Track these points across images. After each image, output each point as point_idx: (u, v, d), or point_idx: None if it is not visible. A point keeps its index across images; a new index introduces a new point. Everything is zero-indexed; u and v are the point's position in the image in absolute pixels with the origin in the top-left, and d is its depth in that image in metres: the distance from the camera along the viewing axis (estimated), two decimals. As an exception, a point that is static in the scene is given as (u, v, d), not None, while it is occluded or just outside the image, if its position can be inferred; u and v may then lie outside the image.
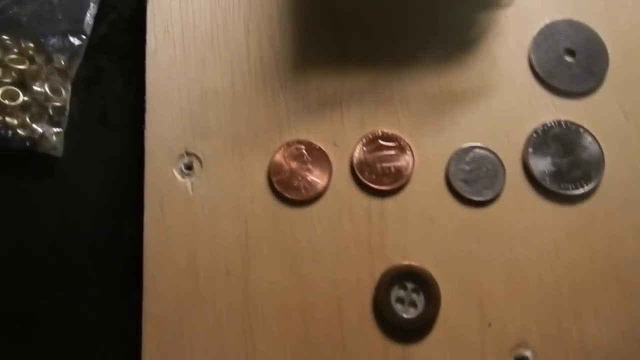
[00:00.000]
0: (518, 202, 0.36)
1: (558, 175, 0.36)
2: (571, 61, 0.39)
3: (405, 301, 0.34)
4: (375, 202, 0.36)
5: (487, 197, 0.36)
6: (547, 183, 0.36)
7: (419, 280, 0.34)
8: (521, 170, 0.36)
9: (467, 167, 0.36)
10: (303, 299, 0.34)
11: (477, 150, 0.36)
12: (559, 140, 0.37)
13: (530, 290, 0.34)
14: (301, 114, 0.37)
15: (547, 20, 0.39)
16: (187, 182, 0.36)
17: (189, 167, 0.36)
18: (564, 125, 0.37)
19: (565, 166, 0.36)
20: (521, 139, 0.37)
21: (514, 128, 0.37)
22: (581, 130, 0.37)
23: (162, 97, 0.37)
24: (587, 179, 0.36)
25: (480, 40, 0.39)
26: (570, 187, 0.36)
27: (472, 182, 0.36)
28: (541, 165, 0.36)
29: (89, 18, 0.40)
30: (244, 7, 0.40)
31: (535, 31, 0.39)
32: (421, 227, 0.35)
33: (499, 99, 0.38)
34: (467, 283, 0.34)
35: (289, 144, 0.37)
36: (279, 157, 0.36)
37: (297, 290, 0.34)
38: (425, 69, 0.38)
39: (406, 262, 0.34)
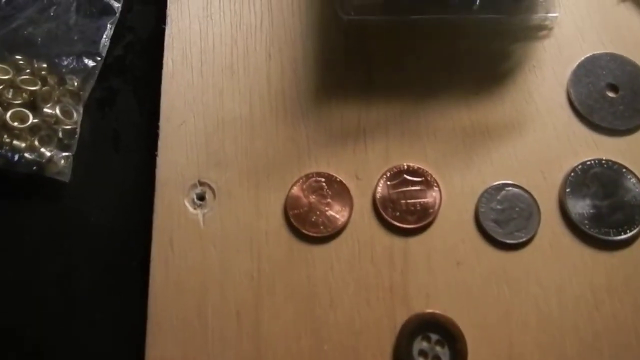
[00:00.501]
0: (553, 246, 0.34)
1: (598, 218, 0.34)
2: (613, 97, 0.37)
3: (428, 355, 0.31)
4: (398, 242, 0.34)
5: (520, 240, 0.34)
6: (586, 227, 0.34)
7: (443, 331, 0.32)
8: (557, 212, 0.35)
9: (498, 207, 0.34)
10: (317, 347, 0.32)
11: (510, 188, 0.35)
12: (599, 180, 0.35)
13: (566, 347, 0.32)
14: (322, 145, 0.36)
15: (588, 54, 0.38)
16: (199, 213, 0.34)
17: (202, 198, 0.35)
18: (605, 165, 0.35)
19: (606, 209, 0.34)
20: (558, 178, 0.35)
21: (550, 166, 0.36)
22: (624, 170, 0.35)
23: (177, 123, 0.37)
24: (630, 223, 0.34)
25: (515, 73, 0.38)
26: (611, 232, 0.34)
27: (503, 223, 0.34)
28: (579, 207, 0.34)
29: (105, 39, 0.40)
30: (265, 31, 0.39)
31: (574, 64, 0.38)
32: (447, 271, 0.33)
33: (534, 135, 0.36)
34: (496, 336, 0.32)
35: (307, 176, 0.35)
36: (296, 190, 0.35)
37: (310, 336, 0.32)
38: (455, 100, 0.37)
39: (430, 310, 0.32)
